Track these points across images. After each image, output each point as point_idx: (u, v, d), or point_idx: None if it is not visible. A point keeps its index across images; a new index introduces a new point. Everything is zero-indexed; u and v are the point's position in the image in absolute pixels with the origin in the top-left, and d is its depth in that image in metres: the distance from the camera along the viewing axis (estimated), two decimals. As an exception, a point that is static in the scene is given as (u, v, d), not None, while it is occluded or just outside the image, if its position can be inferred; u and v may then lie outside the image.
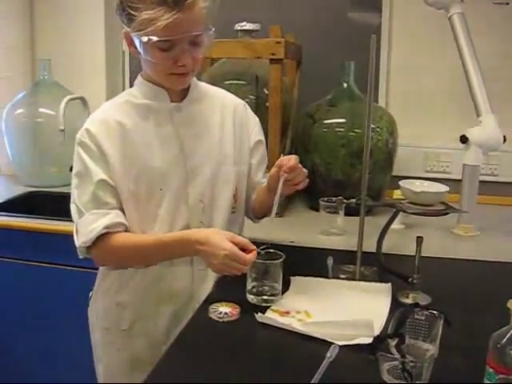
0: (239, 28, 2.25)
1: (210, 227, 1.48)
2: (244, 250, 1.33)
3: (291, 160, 1.43)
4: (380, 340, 1.16)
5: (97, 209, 1.39)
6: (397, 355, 1.06)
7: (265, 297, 1.40)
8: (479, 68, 2.00)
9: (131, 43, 1.37)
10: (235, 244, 1.32)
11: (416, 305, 1.24)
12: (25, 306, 2.23)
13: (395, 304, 1.40)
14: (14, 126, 2.66)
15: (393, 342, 1.14)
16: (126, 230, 1.42)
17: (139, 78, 1.50)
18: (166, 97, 1.46)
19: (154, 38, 1.29)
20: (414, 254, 1.44)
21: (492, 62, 2.20)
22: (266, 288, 1.41)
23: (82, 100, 2.49)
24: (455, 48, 2.05)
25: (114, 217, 1.40)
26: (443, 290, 1.49)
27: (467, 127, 2.04)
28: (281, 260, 1.40)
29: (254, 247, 1.34)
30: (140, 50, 1.35)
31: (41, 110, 2.64)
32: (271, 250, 1.42)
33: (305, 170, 1.50)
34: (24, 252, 2.17)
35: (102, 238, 1.38)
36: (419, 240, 1.39)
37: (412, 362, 1.03)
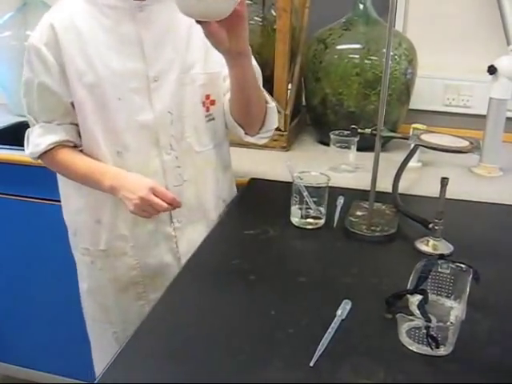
0: None
1: (182, 140, 1.41)
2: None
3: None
4: (398, 296, 1.03)
5: (46, 121, 1.38)
6: (418, 315, 0.93)
7: (309, 219, 1.38)
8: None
9: None
10: (155, 193, 1.29)
11: (440, 256, 1.10)
12: (9, 240, 2.16)
13: (414, 252, 1.26)
14: (1, 51, 2.46)
15: (413, 299, 1.00)
16: (76, 145, 1.41)
17: None
18: None
19: None
20: (432, 195, 1.30)
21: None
22: (311, 211, 1.38)
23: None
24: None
25: (60, 134, 1.38)
26: (466, 237, 1.36)
27: (495, 57, 1.85)
28: (327, 183, 1.39)
29: (174, 196, 1.32)
30: None
31: (29, 32, 2.43)
32: (313, 173, 1.42)
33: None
34: (13, 185, 2.08)
35: (48, 151, 1.39)
36: (444, 182, 1.22)
37: (437, 325, 0.89)
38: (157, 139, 1.37)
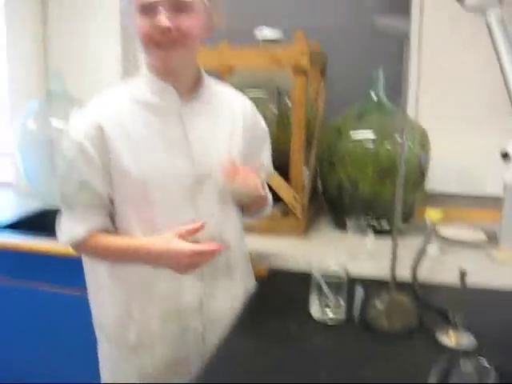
0: (259, 35, 2.10)
1: (219, 238, 1.40)
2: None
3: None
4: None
5: (82, 211, 1.34)
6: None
7: (329, 314, 1.39)
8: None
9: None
10: (183, 236, 1.27)
11: (462, 353, 1.09)
12: (35, 330, 2.14)
13: (435, 346, 1.25)
14: (25, 139, 2.56)
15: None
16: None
17: (144, 70, 1.38)
18: (172, 93, 1.35)
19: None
20: (451, 282, 1.29)
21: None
22: (330, 304, 1.39)
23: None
24: (493, 55, 1.89)
25: (97, 222, 1.35)
26: (489, 329, 1.33)
27: (507, 141, 1.87)
28: (347, 277, 1.40)
29: (198, 225, 1.29)
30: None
31: (53, 123, 2.52)
32: (332, 266, 1.42)
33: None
34: (34, 274, 2.08)
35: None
36: (463, 273, 1.23)
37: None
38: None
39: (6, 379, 2.20)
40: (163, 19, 1.23)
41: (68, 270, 1.96)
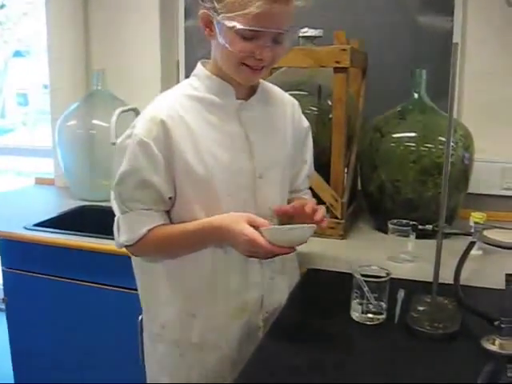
0: (300, 34, 2.08)
1: None
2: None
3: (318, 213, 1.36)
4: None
5: (142, 209, 1.34)
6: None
7: (370, 315, 1.36)
8: None
9: (208, 24, 1.29)
10: (252, 223, 1.27)
11: (509, 359, 1.06)
12: (72, 326, 2.16)
13: (480, 352, 1.21)
14: (67, 138, 2.60)
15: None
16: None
17: (201, 70, 1.39)
18: (232, 93, 1.37)
19: (240, 26, 1.20)
20: (495, 286, 1.26)
21: None
22: (371, 306, 1.36)
23: (135, 111, 2.38)
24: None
25: (158, 219, 1.35)
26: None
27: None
28: (388, 277, 1.37)
29: (266, 222, 1.29)
30: (218, 33, 1.25)
31: (94, 121, 2.56)
32: (373, 267, 1.41)
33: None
34: (73, 271, 2.10)
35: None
36: (510, 278, 1.19)
37: None
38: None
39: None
40: (267, 52, 1.26)
41: (109, 266, 1.99)
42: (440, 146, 1.89)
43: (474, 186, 2.16)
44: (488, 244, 1.31)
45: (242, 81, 1.35)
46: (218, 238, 1.34)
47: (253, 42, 1.24)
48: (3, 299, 2.25)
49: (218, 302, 1.41)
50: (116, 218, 1.39)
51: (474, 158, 2.05)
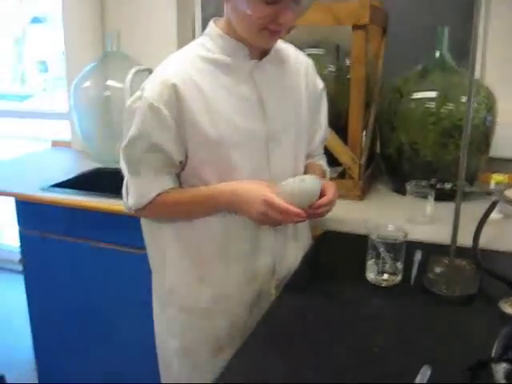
0: (319, -9, 2.03)
1: None
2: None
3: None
4: (482, 363, 0.97)
5: (151, 173, 1.32)
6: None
7: (385, 276, 1.35)
8: None
9: None
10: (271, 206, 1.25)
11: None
12: (89, 285, 2.18)
13: (498, 315, 1.19)
14: (82, 100, 2.57)
15: (499, 367, 0.94)
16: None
17: (214, 29, 1.34)
18: (246, 53, 1.33)
19: None
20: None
21: None
22: (387, 266, 1.35)
23: (150, 72, 2.33)
24: None
25: (168, 182, 1.34)
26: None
27: None
28: (404, 237, 1.35)
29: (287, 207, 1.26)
30: None
31: (109, 82, 2.53)
32: (390, 228, 1.39)
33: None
34: (89, 231, 2.11)
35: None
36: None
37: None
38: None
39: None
40: (290, 15, 1.22)
41: (123, 227, 1.98)
42: (462, 108, 1.83)
43: (497, 149, 2.10)
44: (509, 203, 1.27)
45: (261, 45, 1.31)
46: (232, 202, 1.31)
47: (276, 4, 1.20)
48: (20, 260, 2.27)
49: (229, 268, 1.39)
50: (125, 180, 1.37)
51: (496, 120, 1.99)
